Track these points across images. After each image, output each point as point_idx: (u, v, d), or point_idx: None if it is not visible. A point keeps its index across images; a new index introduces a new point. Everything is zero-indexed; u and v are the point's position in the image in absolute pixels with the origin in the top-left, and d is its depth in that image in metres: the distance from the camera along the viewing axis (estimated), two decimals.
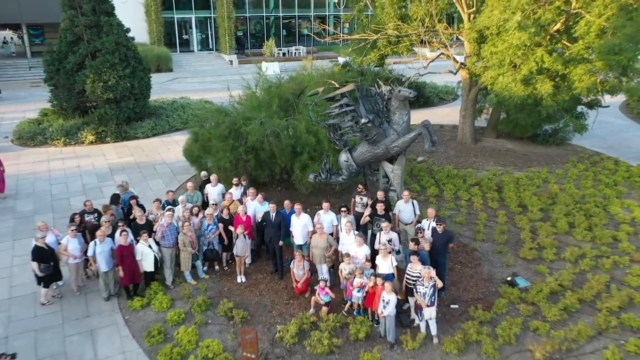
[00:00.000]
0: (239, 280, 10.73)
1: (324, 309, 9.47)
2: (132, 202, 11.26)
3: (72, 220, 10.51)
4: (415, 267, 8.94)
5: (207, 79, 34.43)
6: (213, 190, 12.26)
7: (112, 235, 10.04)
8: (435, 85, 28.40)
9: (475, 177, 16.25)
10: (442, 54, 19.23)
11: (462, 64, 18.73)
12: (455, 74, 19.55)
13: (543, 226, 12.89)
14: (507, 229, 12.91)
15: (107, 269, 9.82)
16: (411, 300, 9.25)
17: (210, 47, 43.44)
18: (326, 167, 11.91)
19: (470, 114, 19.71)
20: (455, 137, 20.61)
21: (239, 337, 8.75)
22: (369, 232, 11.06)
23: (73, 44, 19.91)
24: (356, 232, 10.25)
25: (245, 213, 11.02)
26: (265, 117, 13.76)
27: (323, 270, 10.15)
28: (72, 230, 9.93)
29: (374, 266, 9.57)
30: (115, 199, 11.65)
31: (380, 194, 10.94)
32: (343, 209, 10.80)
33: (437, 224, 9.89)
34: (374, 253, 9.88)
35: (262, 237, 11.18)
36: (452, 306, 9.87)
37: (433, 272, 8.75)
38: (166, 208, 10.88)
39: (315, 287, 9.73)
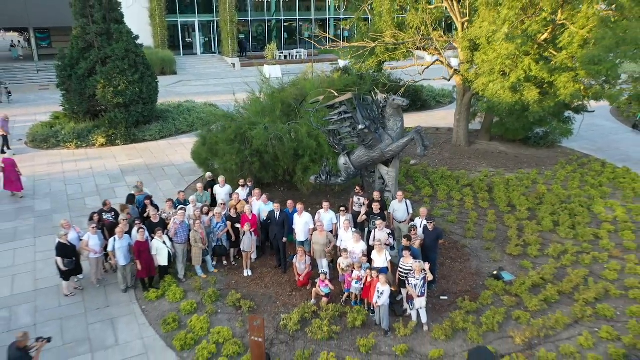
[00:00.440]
0: (245, 274, 11.52)
1: (324, 299, 10.27)
2: (147, 202, 12.10)
3: (91, 218, 11.35)
4: (407, 261, 9.76)
5: (211, 81, 35.10)
6: (221, 191, 13.05)
7: (129, 232, 10.88)
8: (432, 88, 28.87)
9: (467, 178, 16.95)
10: (437, 60, 19.98)
11: (456, 70, 19.49)
12: (449, 80, 20.32)
13: (529, 224, 13.66)
14: (495, 227, 13.67)
15: (125, 263, 10.65)
16: (403, 291, 10.05)
17: (213, 50, 44.09)
18: (326, 169, 12.63)
19: (464, 117, 20.41)
20: (450, 139, 21.26)
21: (247, 325, 9.57)
22: (366, 229, 11.79)
23: (84, 51, 20.66)
24: (354, 230, 11.01)
25: (251, 212, 11.79)
26: (269, 122, 14.38)
27: (323, 265, 10.92)
28: (93, 227, 10.78)
29: (370, 260, 10.37)
30: (130, 199, 12.47)
31: (376, 194, 11.71)
32: (342, 208, 11.53)
33: (428, 222, 10.73)
34: (370, 248, 10.68)
35: (267, 234, 11.99)
36: (441, 297, 10.66)
37: (426, 266, 9.57)
38: (178, 207, 11.72)
39: (316, 280, 10.50)
